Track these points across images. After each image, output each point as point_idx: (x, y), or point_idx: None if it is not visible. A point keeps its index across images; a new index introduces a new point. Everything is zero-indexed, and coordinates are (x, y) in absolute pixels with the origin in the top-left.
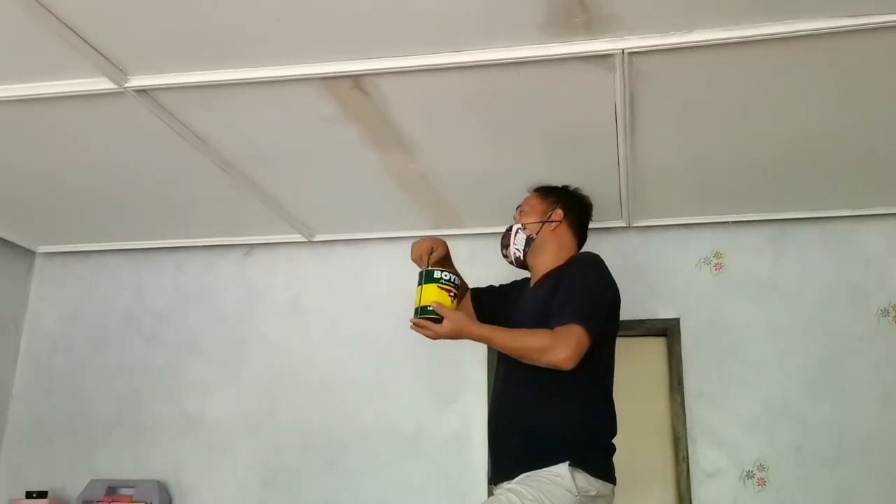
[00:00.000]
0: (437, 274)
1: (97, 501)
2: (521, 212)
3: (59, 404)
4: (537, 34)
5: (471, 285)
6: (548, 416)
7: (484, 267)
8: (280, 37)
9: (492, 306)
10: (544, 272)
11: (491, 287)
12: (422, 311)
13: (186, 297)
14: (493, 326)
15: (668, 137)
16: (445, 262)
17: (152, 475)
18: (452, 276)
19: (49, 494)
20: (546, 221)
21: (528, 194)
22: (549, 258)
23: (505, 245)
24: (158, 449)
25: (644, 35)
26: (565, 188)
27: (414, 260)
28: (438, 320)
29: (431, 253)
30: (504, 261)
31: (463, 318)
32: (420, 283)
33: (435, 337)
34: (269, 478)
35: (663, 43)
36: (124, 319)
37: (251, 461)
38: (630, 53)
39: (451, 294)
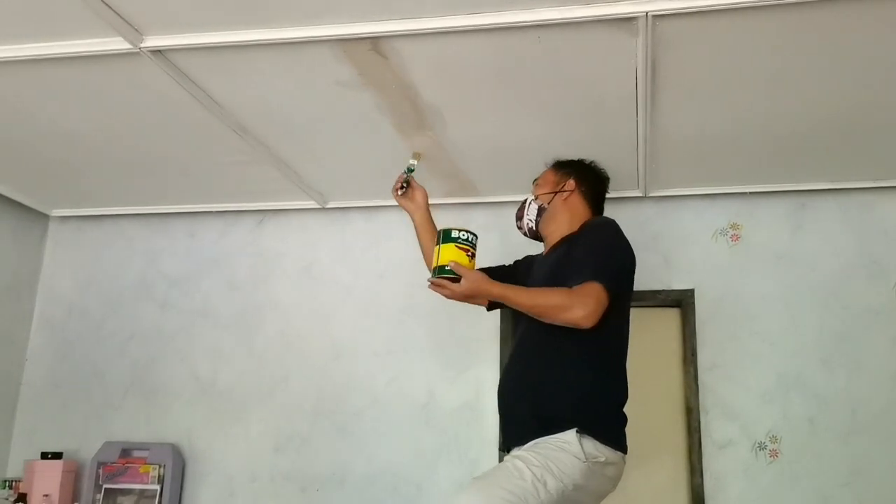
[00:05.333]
0: (454, 233)
1: (111, 463)
2: (535, 185)
3: (73, 368)
4: None
5: (486, 254)
6: (557, 382)
7: (498, 236)
8: None
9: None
10: (557, 239)
11: (501, 267)
12: (440, 271)
13: (200, 262)
14: (511, 285)
15: (688, 105)
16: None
17: (166, 439)
18: (470, 236)
19: (64, 456)
20: (557, 191)
21: (544, 166)
22: (560, 227)
23: (519, 217)
24: (172, 413)
25: None
26: (580, 161)
27: None
28: (456, 279)
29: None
30: (519, 231)
31: (481, 276)
32: (438, 243)
33: (452, 296)
34: (282, 443)
35: (688, 6)
36: (138, 284)
37: (263, 426)
38: (654, 16)
39: (469, 254)
